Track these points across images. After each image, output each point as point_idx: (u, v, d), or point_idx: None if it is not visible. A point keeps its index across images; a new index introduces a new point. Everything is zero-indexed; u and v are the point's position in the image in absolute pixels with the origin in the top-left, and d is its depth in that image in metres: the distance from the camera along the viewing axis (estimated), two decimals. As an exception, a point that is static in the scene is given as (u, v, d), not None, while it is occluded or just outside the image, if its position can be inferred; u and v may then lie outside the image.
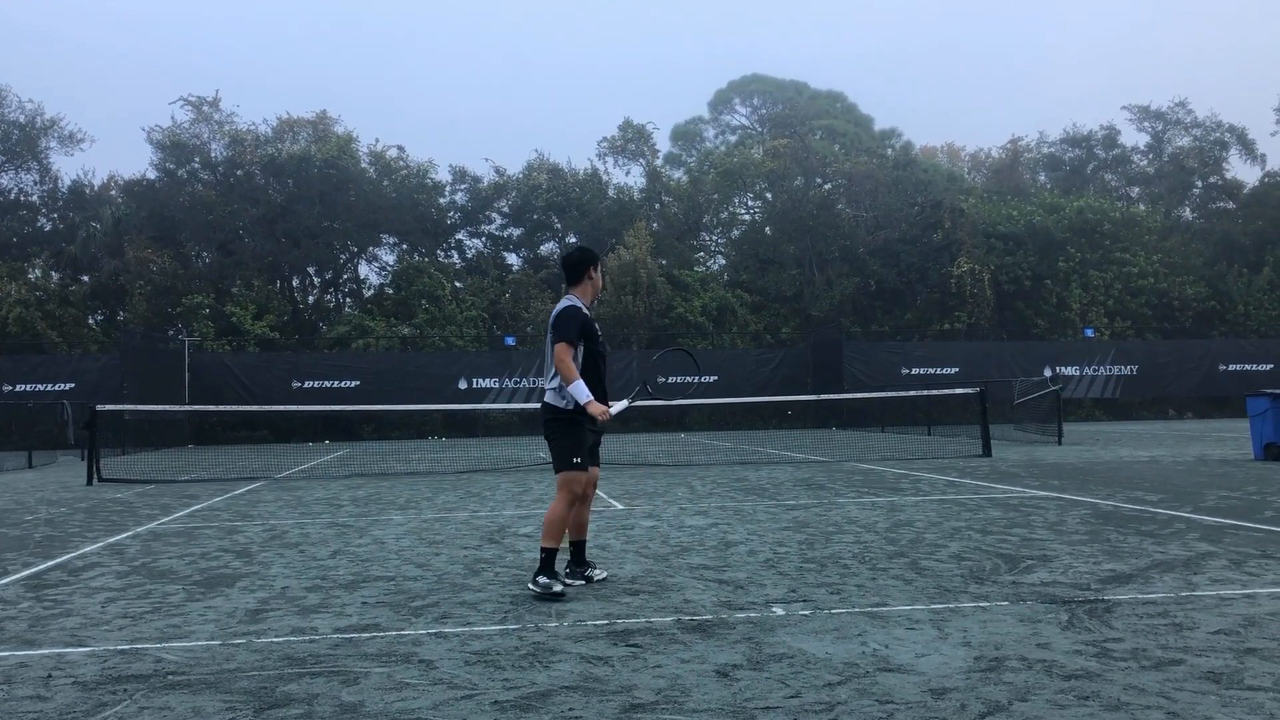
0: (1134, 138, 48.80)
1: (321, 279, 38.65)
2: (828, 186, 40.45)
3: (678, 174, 44.82)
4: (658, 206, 40.66)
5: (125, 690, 4.19)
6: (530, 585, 5.99)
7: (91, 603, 6.10)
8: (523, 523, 9.49)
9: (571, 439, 6.05)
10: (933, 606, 5.41)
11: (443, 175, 38.78)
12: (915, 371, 33.70)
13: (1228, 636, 4.63)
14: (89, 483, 15.43)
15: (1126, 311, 37.88)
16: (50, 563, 7.78)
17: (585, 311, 6.19)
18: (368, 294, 38.13)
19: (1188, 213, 46.11)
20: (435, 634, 5.08)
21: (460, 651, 4.71)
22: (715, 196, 40.57)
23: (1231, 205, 44.81)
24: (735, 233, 41.62)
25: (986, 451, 17.48)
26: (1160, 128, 47.07)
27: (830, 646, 4.61)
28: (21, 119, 36.74)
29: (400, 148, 38.70)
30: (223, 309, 33.26)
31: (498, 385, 32.28)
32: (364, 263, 38.79)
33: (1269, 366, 35.58)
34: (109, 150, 77.94)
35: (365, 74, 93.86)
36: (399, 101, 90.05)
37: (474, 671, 4.36)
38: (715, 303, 36.30)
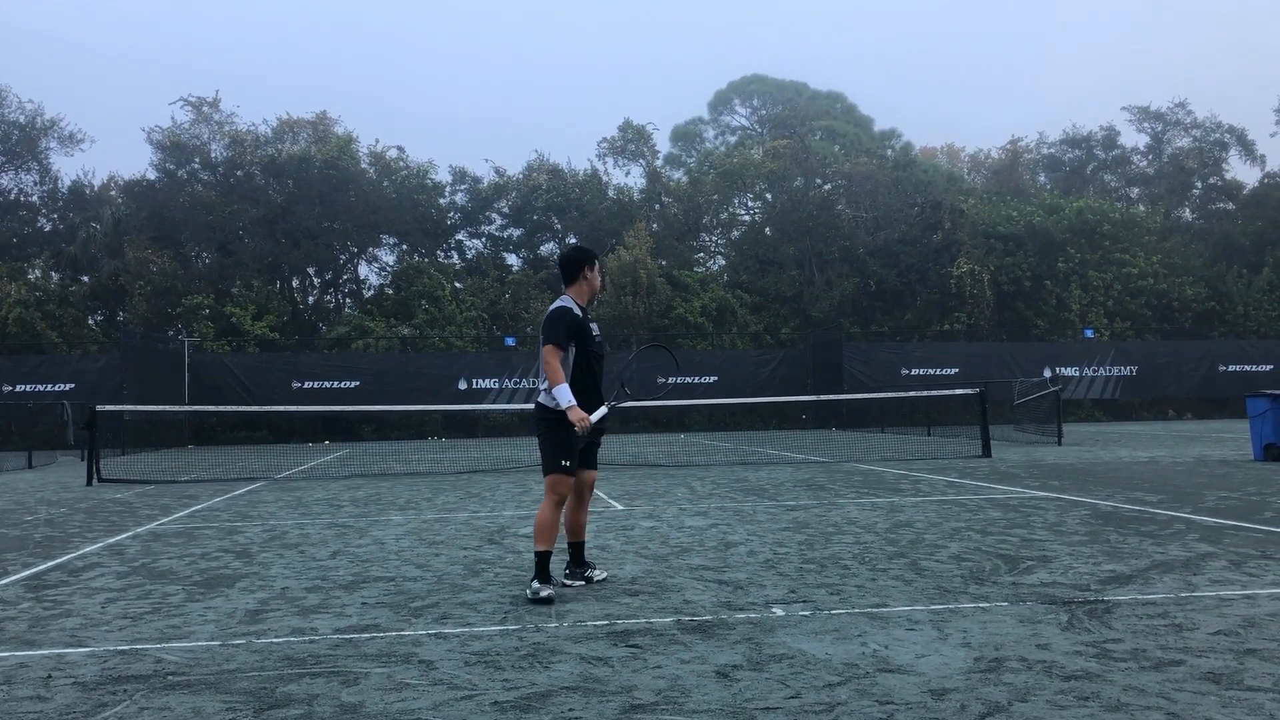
0: (1134, 138, 48.91)
1: (321, 279, 38.66)
2: (827, 187, 40.46)
3: (678, 174, 44.84)
4: (657, 207, 40.66)
5: (125, 690, 4.19)
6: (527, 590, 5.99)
7: (91, 603, 6.10)
8: (523, 523, 9.49)
9: (560, 441, 5.97)
10: (933, 607, 5.41)
11: (443, 176, 38.84)
12: (915, 372, 33.70)
13: (1227, 637, 4.63)
14: (89, 483, 15.43)
15: (1126, 312, 37.89)
16: (50, 563, 7.78)
17: (576, 312, 6.08)
18: (368, 294, 38.14)
19: (1187, 213, 46.13)
20: (435, 634, 5.08)
21: (460, 652, 4.71)
22: (715, 197, 40.58)
23: (1231, 206, 44.83)
24: (735, 233, 41.62)
25: (986, 452, 17.48)
26: (1160, 128, 47.10)
27: (830, 647, 4.61)
28: (21, 119, 36.75)
29: (400, 148, 38.76)
30: (223, 309, 33.26)
31: (497, 386, 32.29)
32: (364, 263, 38.84)
33: (1269, 367, 35.59)
34: (109, 151, 78.04)
35: (365, 74, 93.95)
36: (399, 101, 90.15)
37: (474, 672, 4.36)
38: (715, 303, 36.31)
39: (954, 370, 33.85)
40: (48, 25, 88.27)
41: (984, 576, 6.24)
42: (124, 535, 9.36)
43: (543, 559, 5.93)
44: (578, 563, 6.38)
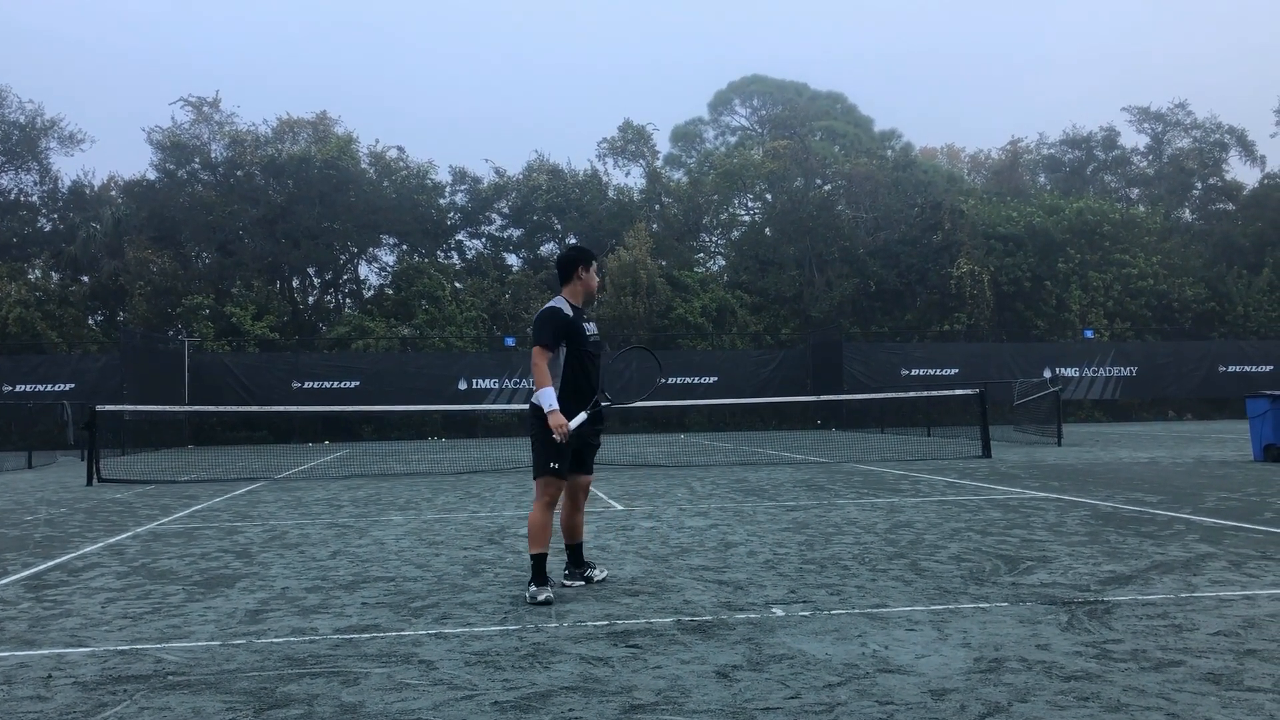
0: (1134, 139, 48.93)
1: (321, 280, 38.67)
2: (828, 188, 40.46)
3: (677, 175, 44.85)
4: (657, 207, 40.67)
5: (125, 690, 4.19)
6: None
7: (91, 603, 6.10)
8: (523, 524, 9.48)
9: (550, 443, 5.92)
10: (932, 607, 5.41)
11: (443, 176, 38.86)
12: (915, 372, 33.70)
13: (1227, 638, 4.63)
14: (89, 483, 15.43)
15: (1126, 313, 37.89)
16: (50, 563, 7.78)
17: (567, 313, 6.03)
18: (368, 295, 38.15)
19: (1187, 214, 46.14)
20: (435, 635, 5.08)
21: (460, 652, 4.71)
22: (715, 197, 40.58)
23: (1231, 207, 44.85)
24: (735, 234, 41.63)
25: (986, 453, 17.48)
26: (1160, 129, 47.13)
27: (830, 647, 4.61)
28: (22, 119, 36.76)
29: (400, 148, 38.77)
30: (223, 309, 33.27)
31: (497, 386, 32.29)
32: (364, 263, 38.86)
33: (1269, 368, 35.59)
34: (109, 151, 78.08)
35: (365, 74, 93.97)
36: (399, 101, 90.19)
37: (474, 672, 4.36)
38: (715, 304, 36.31)
39: (954, 371, 33.86)
40: (48, 25, 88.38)
41: (984, 577, 6.24)
42: (124, 535, 9.36)
43: (538, 562, 5.91)
44: (576, 563, 6.36)
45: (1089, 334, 36.50)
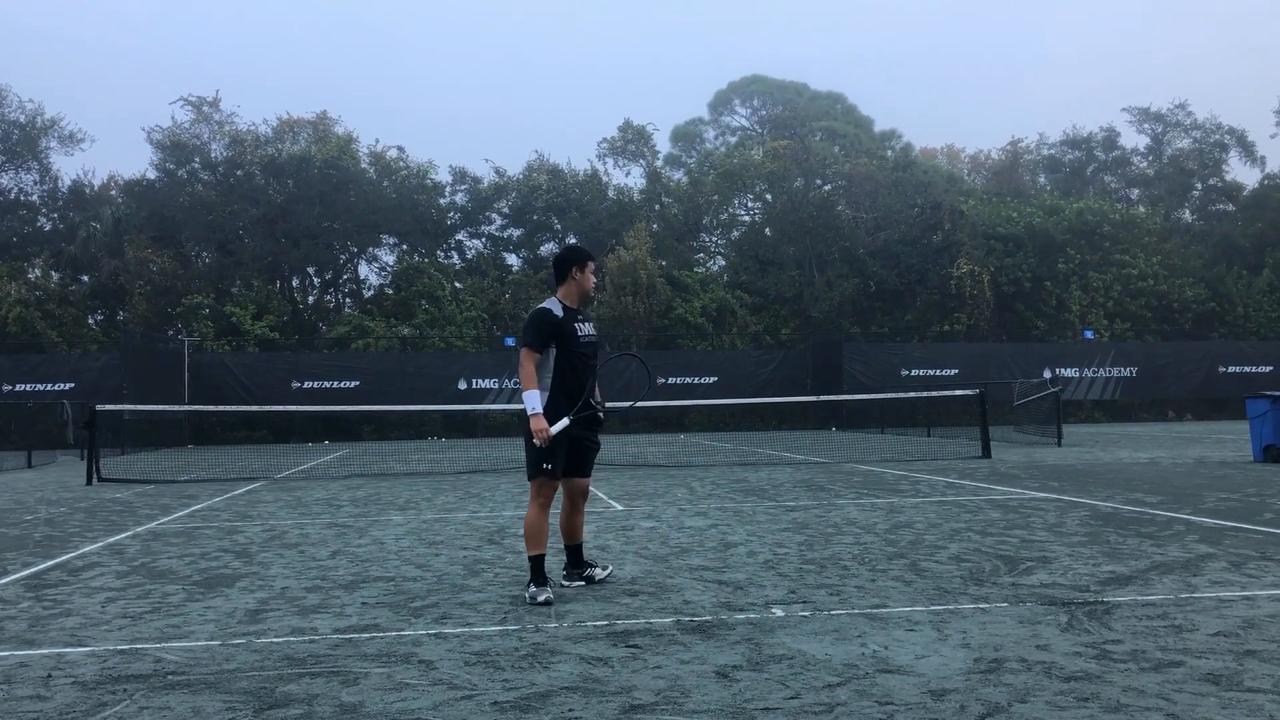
0: (1134, 139, 48.92)
1: (321, 279, 38.67)
2: (828, 188, 40.46)
3: (678, 175, 44.84)
4: (657, 207, 40.67)
5: (125, 690, 4.19)
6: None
7: (91, 603, 6.10)
8: (523, 524, 9.48)
9: (546, 445, 5.92)
10: (932, 608, 5.41)
11: (443, 176, 38.85)
12: (915, 373, 33.70)
13: (1227, 638, 4.63)
14: (88, 482, 15.43)
15: (1126, 313, 37.89)
16: (50, 562, 7.78)
17: (556, 314, 6.01)
18: (367, 294, 38.15)
19: (1187, 215, 46.14)
20: (435, 634, 5.08)
21: (460, 652, 4.71)
22: (715, 198, 40.58)
23: (1231, 207, 44.85)
24: (735, 234, 41.63)
25: (986, 453, 17.48)
26: (1160, 129, 47.13)
27: (830, 648, 4.61)
28: (22, 119, 36.76)
29: (400, 148, 38.77)
30: (222, 309, 33.27)
31: (497, 386, 32.29)
32: (364, 263, 38.85)
33: (1268, 368, 35.59)
34: (109, 150, 78.10)
35: (365, 74, 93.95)
36: (399, 101, 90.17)
37: (474, 672, 4.36)
38: (715, 304, 36.32)
39: (954, 371, 33.86)
40: (48, 25, 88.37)
41: (984, 577, 6.24)
42: (124, 535, 9.36)
43: (536, 563, 5.90)
44: (575, 564, 6.35)
45: (1089, 334, 36.50)
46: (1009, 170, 47.49)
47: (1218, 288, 39.20)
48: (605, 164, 40.87)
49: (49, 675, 4.46)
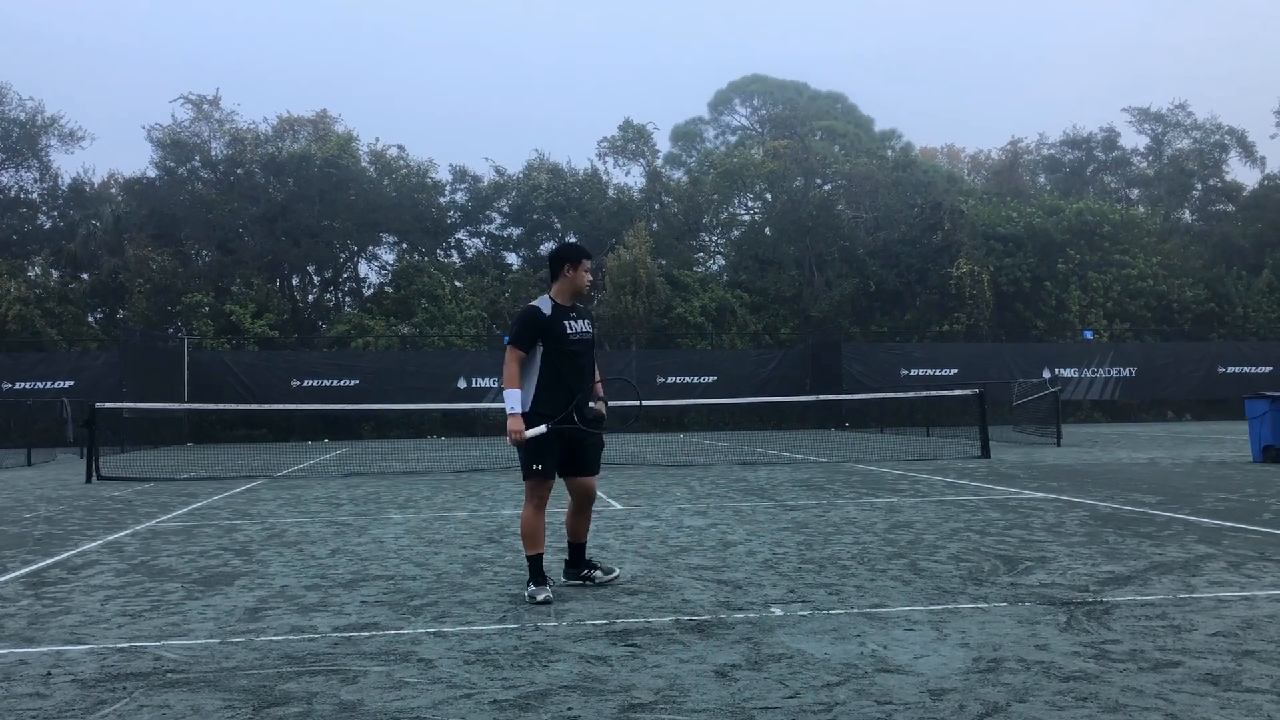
0: (1134, 140, 48.93)
1: (321, 278, 38.67)
2: (827, 187, 40.46)
3: (678, 174, 44.86)
4: (657, 207, 40.67)
5: (124, 688, 4.19)
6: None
7: (90, 600, 6.10)
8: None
9: (534, 446, 5.88)
10: (931, 607, 5.41)
11: (443, 174, 38.86)
12: (914, 373, 33.69)
13: (1226, 639, 4.63)
14: (88, 480, 15.43)
15: (1125, 313, 37.90)
16: (49, 560, 7.78)
17: (545, 312, 6.00)
18: (367, 293, 38.15)
19: (1187, 215, 46.14)
20: (434, 633, 5.08)
21: (459, 651, 4.71)
22: (715, 197, 40.59)
23: (1231, 208, 44.84)
24: (735, 233, 41.64)
25: (985, 453, 17.48)
26: (1160, 130, 47.13)
27: (829, 647, 4.62)
28: (22, 117, 36.74)
29: (400, 147, 38.79)
30: (222, 307, 33.27)
31: (497, 385, 32.23)
32: (364, 262, 38.86)
33: (1268, 369, 35.59)
34: (109, 148, 78.04)
35: (365, 74, 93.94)
36: (399, 101, 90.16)
37: (473, 671, 4.36)
38: (715, 303, 36.31)
39: (953, 371, 33.84)
40: (48, 23, 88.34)
41: (983, 577, 6.25)
42: (123, 533, 9.36)
43: (534, 563, 5.89)
44: (575, 563, 6.28)
45: (1088, 334, 36.49)
46: (1009, 170, 47.49)
47: (1217, 288, 39.21)
48: (605, 163, 40.94)
49: (48, 673, 4.46)
